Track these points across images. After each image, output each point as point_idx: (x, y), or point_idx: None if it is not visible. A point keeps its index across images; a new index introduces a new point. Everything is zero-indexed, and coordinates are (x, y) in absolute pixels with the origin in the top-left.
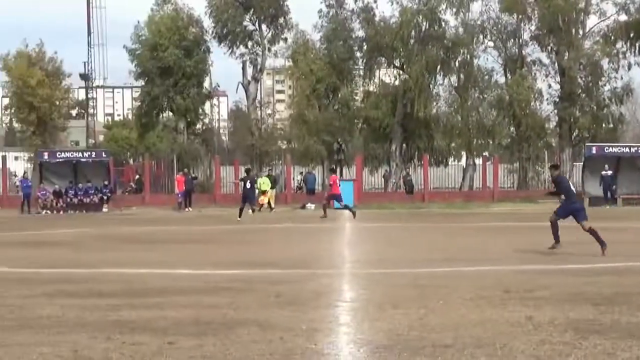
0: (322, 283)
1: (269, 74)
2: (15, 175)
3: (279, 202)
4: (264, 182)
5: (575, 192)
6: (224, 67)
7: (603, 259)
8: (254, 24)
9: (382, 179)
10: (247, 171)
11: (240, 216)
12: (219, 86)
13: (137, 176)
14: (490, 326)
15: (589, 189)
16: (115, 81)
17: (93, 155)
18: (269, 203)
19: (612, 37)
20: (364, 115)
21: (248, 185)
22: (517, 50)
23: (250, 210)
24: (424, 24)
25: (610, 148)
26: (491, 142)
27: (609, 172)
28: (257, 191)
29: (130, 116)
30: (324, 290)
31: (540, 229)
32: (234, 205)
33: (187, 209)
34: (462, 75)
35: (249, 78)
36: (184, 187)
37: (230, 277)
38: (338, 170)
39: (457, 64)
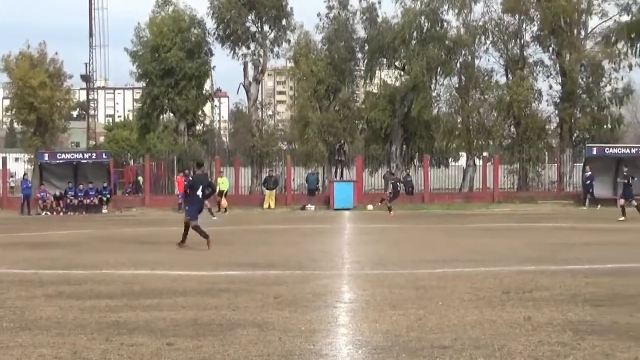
0: (321, 284)
1: (270, 75)
2: (12, 176)
3: (279, 203)
4: (222, 182)
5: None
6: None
7: (603, 260)
8: (256, 25)
9: (382, 180)
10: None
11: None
12: (220, 90)
13: (139, 178)
14: (489, 327)
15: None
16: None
17: (93, 157)
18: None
19: (614, 38)
20: (364, 116)
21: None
22: (518, 51)
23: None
24: (426, 24)
25: (611, 149)
26: (491, 143)
27: (588, 173)
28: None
29: (130, 117)
30: (322, 291)
31: (540, 230)
32: (235, 206)
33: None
34: (463, 76)
35: (250, 79)
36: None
37: (229, 278)
38: (338, 171)
39: (458, 64)
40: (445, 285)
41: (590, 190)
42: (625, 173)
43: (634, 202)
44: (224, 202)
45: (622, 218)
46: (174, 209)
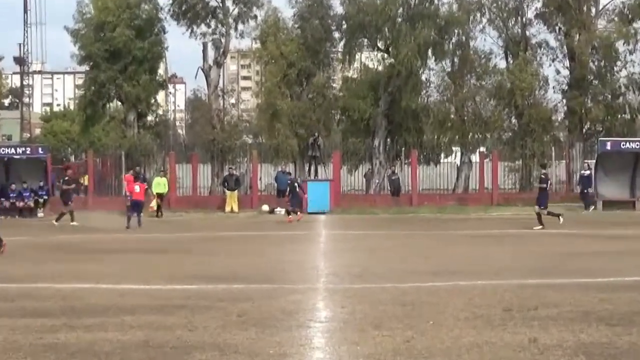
0: (292, 300)
1: (233, 58)
2: None
3: (244, 206)
4: (158, 184)
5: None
6: (181, 50)
7: (618, 272)
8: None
9: (364, 179)
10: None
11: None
12: (176, 75)
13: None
14: (487, 350)
15: (603, 190)
16: (54, 66)
17: (28, 152)
18: (159, 208)
19: (630, 16)
20: (342, 105)
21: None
22: (519, 30)
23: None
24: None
25: (628, 143)
26: (489, 136)
27: (587, 172)
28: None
29: (71, 106)
30: (294, 309)
31: (546, 237)
32: (192, 209)
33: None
34: (456, 59)
35: (210, 62)
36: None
37: (185, 293)
38: (312, 169)
39: (451, 46)
40: (437, 301)
41: (585, 191)
42: None
43: None
44: (153, 204)
45: None
46: (121, 213)
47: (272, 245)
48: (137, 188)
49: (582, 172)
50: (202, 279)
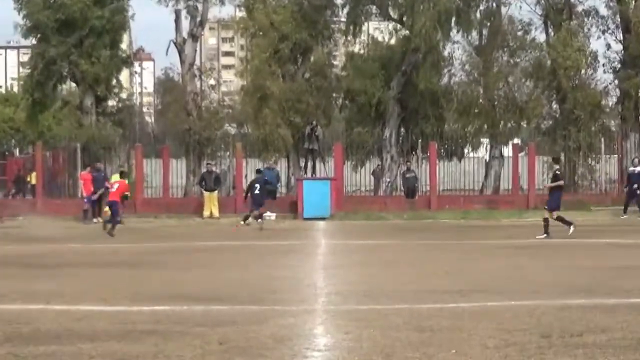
0: (284, 324)
1: (212, 29)
2: None
3: (225, 210)
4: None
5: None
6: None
7: None
8: None
9: (372, 177)
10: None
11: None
12: (143, 50)
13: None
14: None
15: None
16: None
17: None
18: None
19: None
20: (346, 87)
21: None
22: None
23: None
24: None
25: None
26: (525, 125)
27: (637, 169)
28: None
29: (15, 89)
30: (287, 335)
31: (593, 248)
32: (163, 213)
33: (95, 220)
34: (485, 31)
35: (185, 35)
36: (92, 189)
37: (155, 316)
38: (309, 165)
39: (478, 14)
40: (461, 326)
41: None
42: None
43: None
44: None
45: None
46: (77, 218)
47: (261, 258)
48: (115, 186)
49: (632, 168)
50: (176, 298)
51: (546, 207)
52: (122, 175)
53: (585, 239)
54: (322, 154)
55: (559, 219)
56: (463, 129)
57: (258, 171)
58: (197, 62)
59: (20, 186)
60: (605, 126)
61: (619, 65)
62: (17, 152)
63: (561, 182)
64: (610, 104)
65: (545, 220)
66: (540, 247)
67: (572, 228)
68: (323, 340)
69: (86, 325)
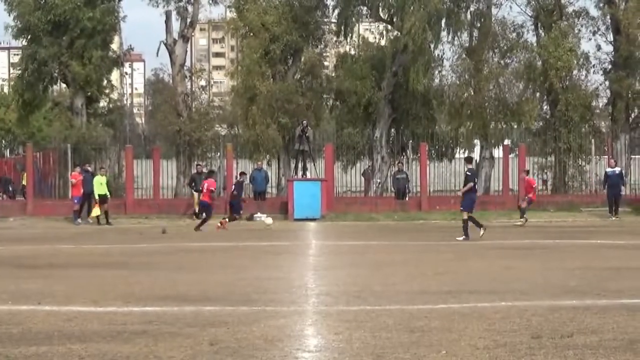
0: (275, 325)
1: (203, 30)
2: None
3: (216, 211)
4: (100, 184)
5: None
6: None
7: None
8: None
9: (362, 178)
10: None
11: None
12: (132, 49)
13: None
14: None
15: None
16: None
17: None
18: (106, 214)
19: None
20: (336, 88)
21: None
22: None
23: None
24: None
25: None
26: (516, 126)
27: (617, 170)
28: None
29: (6, 89)
30: (278, 335)
31: (584, 249)
32: (153, 214)
33: (80, 220)
34: (476, 32)
35: (175, 35)
36: (82, 190)
37: (146, 317)
38: (299, 166)
39: (469, 15)
40: (451, 327)
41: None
42: None
43: None
44: (96, 210)
45: None
46: (68, 219)
47: (251, 259)
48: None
49: (610, 169)
50: (166, 299)
51: (461, 208)
52: (211, 174)
53: (576, 240)
54: (313, 154)
55: (471, 219)
56: (454, 130)
57: (241, 174)
58: (188, 63)
59: (5, 186)
60: (595, 127)
61: (610, 67)
62: (7, 153)
63: (471, 184)
64: (601, 105)
65: (465, 222)
66: (531, 248)
67: (482, 230)
68: (314, 341)
69: (77, 326)
